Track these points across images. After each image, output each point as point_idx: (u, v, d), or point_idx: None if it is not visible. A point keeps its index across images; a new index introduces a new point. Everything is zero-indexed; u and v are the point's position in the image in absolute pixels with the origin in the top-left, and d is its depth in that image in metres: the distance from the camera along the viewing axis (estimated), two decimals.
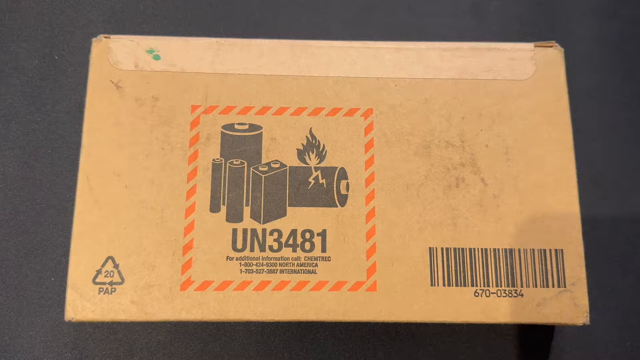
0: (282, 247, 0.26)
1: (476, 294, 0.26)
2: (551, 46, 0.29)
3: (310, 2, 0.38)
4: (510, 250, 0.26)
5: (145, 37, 0.29)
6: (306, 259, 0.26)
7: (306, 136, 0.28)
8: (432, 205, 0.27)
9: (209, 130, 0.27)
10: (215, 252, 0.26)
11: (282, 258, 0.26)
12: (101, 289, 0.25)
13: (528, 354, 0.32)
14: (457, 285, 0.26)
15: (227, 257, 0.26)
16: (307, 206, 0.27)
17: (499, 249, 0.26)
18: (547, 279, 0.26)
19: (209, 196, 0.27)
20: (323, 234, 0.26)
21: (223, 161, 0.27)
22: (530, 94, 0.28)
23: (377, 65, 0.29)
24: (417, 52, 0.29)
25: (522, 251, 0.26)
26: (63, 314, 0.31)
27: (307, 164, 0.27)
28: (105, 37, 0.28)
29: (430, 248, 0.26)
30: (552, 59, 0.29)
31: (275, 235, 0.26)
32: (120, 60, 0.28)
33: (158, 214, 0.26)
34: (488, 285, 0.26)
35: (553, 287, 0.26)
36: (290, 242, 0.26)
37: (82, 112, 0.27)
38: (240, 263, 0.26)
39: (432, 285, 0.26)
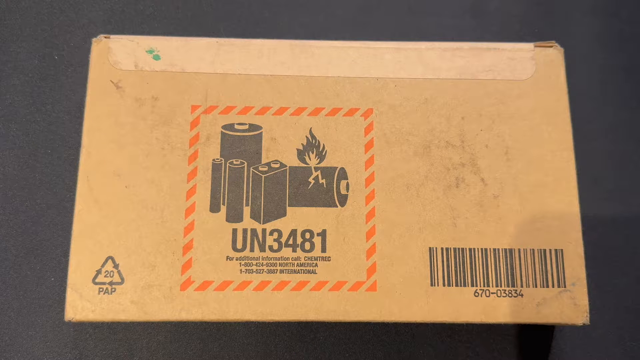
0: (282, 247, 0.26)
1: (476, 294, 0.26)
2: (551, 46, 0.29)
3: (310, 2, 0.38)
4: (510, 250, 0.26)
5: (145, 37, 0.29)
6: (306, 259, 0.26)
7: (306, 136, 0.28)
8: (432, 205, 0.27)
9: (209, 130, 0.27)
10: (215, 252, 0.26)
11: (282, 258, 0.26)
12: (101, 289, 0.25)
13: (528, 354, 0.32)
14: (457, 285, 0.26)
15: (227, 257, 0.26)
16: (307, 206, 0.27)
17: (499, 249, 0.26)
18: (547, 279, 0.26)
19: (209, 196, 0.27)
20: (323, 234, 0.26)
21: (223, 161, 0.27)
22: (530, 94, 0.28)
23: (377, 65, 0.29)
24: (417, 52, 0.29)
25: (522, 251, 0.26)
26: (63, 314, 0.31)
27: (307, 164, 0.27)
28: (105, 37, 0.28)
29: (430, 248, 0.26)
30: (552, 59, 0.29)
31: (275, 235, 0.26)
32: (120, 60, 0.28)
33: (158, 214, 0.26)
34: (488, 285, 0.26)
35: (553, 287, 0.26)
36: (290, 242, 0.26)
37: (82, 112, 0.27)
38: (240, 263, 0.26)
39: (432, 285, 0.26)
